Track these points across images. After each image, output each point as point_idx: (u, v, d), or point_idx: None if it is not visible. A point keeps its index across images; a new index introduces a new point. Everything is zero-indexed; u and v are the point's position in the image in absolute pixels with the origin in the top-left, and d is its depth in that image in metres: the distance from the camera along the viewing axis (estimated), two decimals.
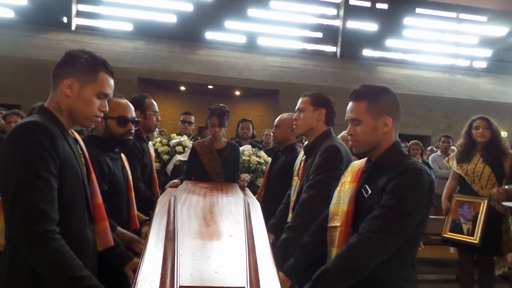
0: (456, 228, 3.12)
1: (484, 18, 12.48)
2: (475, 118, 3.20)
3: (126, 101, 1.93)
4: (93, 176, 1.39)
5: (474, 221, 3.02)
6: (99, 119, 1.34)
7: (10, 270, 1.13)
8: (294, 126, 2.19)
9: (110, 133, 1.83)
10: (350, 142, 1.45)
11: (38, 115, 1.19)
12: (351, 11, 11.89)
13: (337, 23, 12.04)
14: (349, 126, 1.43)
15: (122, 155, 1.97)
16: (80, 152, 1.33)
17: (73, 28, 10.67)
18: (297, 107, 2.15)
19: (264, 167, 3.42)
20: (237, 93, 10.91)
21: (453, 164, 3.29)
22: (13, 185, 1.06)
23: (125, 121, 1.86)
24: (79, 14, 10.84)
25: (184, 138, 3.58)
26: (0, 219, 1.29)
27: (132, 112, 1.93)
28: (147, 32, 10.88)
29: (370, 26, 12.08)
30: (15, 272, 1.13)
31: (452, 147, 5.52)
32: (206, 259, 1.17)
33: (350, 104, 1.42)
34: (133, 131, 1.91)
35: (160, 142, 3.53)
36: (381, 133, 1.37)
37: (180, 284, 0.98)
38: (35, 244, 1.04)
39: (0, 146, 1.13)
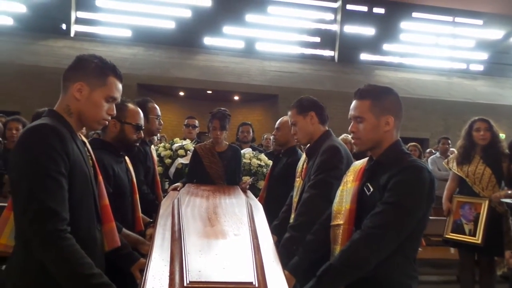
0: (458, 228, 3.14)
1: (480, 22, 12.58)
2: (475, 120, 3.21)
3: (139, 109, 2.00)
4: (100, 178, 1.42)
5: (475, 221, 3.04)
6: (107, 122, 1.37)
7: (21, 270, 1.15)
8: (296, 141, 2.25)
9: (124, 137, 1.89)
10: (352, 140, 1.49)
11: (48, 118, 1.22)
12: (348, 16, 11.97)
13: (335, 27, 12.12)
14: (351, 124, 1.46)
15: (126, 158, 2.01)
16: (88, 154, 1.36)
17: (72, 35, 10.71)
18: (290, 123, 2.21)
19: (265, 169, 3.44)
20: (236, 98, 10.95)
21: (453, 166, 3.32)
22: (25, 186, 1.09)
23: (140, 128, 1.95)
24: (78, 21, 10.89)
25: (186, 142, 3.61)
26: (9, 221, 1.31)
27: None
28: (145, 38, 10.93)
29: (367, 31, 12.16)
30: (27, 272, 1.15)
31: (451, 149, 5.56)
32: (213, 256, 1.19)
33: (354, 102, 1.46)
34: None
35: (164, 146, 3.56)
36: (382, 132, 1.41)
37: (190, 280, 1.00)
38: (47, 243, 1.06)
39: (12, 148, 1.15)
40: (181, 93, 10.87)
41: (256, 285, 1.03)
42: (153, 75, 9.72)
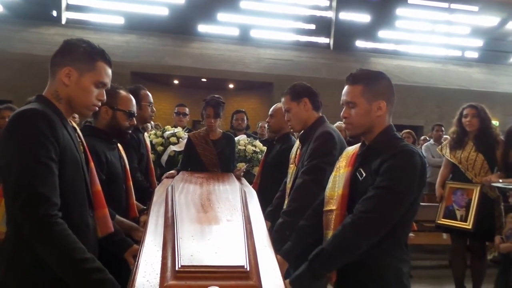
0: (450, 214, 3.18)
1: (475, 8, 12.52)
2: (465, 106, 3.25)
3: (131, 96, 1.97)
4: (92, 164, 1.41)
5: (467, 207, 3.08)
6: (97, 108, 1.35)
7: (12, 256, 1.15)
8: (290, 127, 2.25)
9: (116, 124, 1.88)
10: (344, 125, 1.48)
11: (37, 103, 1.20)
12: (344, 2, 11.84)
13: (330, 14, 12.01)
14: (344, 109, 1.45)
15: (119, 145, 1.99)
16: (79, 140, 1.35)
17: (63, 22, 10.53)
18: (283, 109, 2.20)
19: (260, 156, 3.44)
20: (231, 86, 10.89)
21: (446, 152, 3.34)
22: (15, 172, 1.07)
23: (133, 115, 1.93)
24: (69, 7, 10.69)
25: (178, 129, 3.59)
26: (0, 206, 1.30)
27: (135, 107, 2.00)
28: (138, 25, 10.77)
29: (362, 17, 12.07)
30: (18, 258, 1.14)
31: (445, 136, 5.59)
32: (206, 241, 1.19)
33: (346, 87, 1.45)
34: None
35: (155, 134, 3.54)
36: (375, 117, 1.40)
37: (182, 264, 1.00)
38: (38, 228, 1.06)
39: (1, 134, 1.14)
40: (175, 81, 10.78)
41: (248, 269, 1.03)
42: (147, 63, 9.61)
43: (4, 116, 3.71)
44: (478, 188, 3.05)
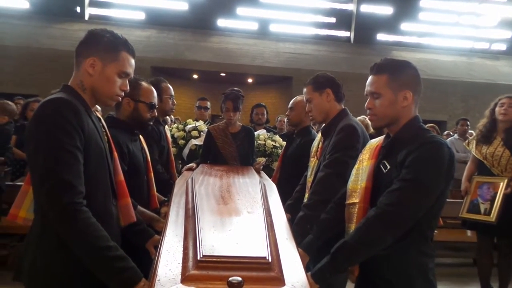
0: (474, 208, 3.08)
1: None
2: (502, 97, 3.13)
3: (153, 87, 1.99)
4: (115, 154, 1.42)
5: (492, 200, 2.98)
6: (120, 98, 1.36)
7: (39, 243, 1.17)
8: (311, 118, 2.21)
9: (138, 116, 1.90)
10: (369, 116, 1.44)
11: (62, 93, 1.22)
12: None
13: (351, 7, 11.78)
14: (368, 100, 1.41)
15: (141, 136, 2.02)
16: (103, 130, 1.36)
17: (86, 18, 10.76)
18: (305, 99, 2.16)
19: (279, 150, 3.42)
20: (250, 80, 10.87)
21: (473, 147, 3.25)
22: (41, 159, 1.09)
23: (154, 107, 1.94)
24: (92, 3, 10.91)
25: (199, 123, 3.61)
26: (28, 194, 1.33)
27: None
28: (159, 20, 10.89)
29: (384, 10, 11.79)
30: (45, 245, 1.17)
31: (470, 131, 5.42)
32: (227, 232, 1.19)
33: (370, 78, 1.41)
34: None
35: (177, 127, 3.56)
36: (400, 107, 1.36)
37: (203, 254, 1.00)
38: (63, 216, 1.08)
39: (28, 122, 1.16)
40: (195, 76, 10.86)
41: (270, 261, 1.02)
42: (167, 58, 9.71)
43: (33, 108, 3.86)
44: (505, 181, 2.94)
